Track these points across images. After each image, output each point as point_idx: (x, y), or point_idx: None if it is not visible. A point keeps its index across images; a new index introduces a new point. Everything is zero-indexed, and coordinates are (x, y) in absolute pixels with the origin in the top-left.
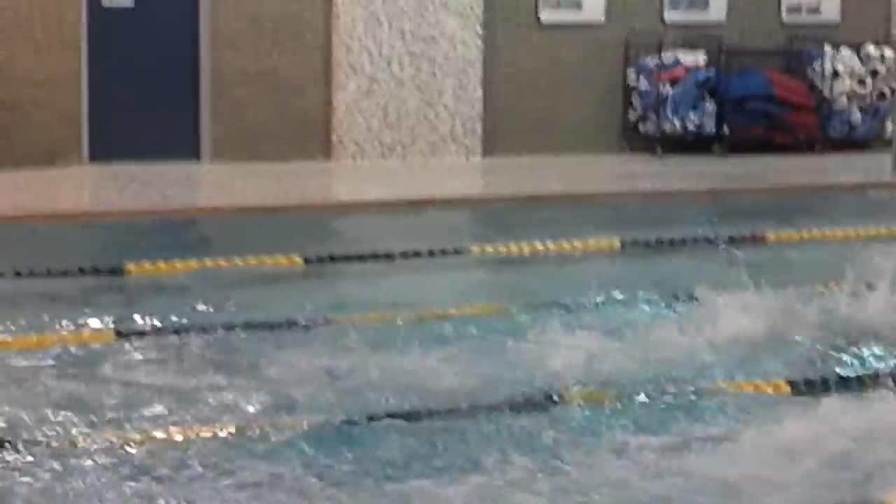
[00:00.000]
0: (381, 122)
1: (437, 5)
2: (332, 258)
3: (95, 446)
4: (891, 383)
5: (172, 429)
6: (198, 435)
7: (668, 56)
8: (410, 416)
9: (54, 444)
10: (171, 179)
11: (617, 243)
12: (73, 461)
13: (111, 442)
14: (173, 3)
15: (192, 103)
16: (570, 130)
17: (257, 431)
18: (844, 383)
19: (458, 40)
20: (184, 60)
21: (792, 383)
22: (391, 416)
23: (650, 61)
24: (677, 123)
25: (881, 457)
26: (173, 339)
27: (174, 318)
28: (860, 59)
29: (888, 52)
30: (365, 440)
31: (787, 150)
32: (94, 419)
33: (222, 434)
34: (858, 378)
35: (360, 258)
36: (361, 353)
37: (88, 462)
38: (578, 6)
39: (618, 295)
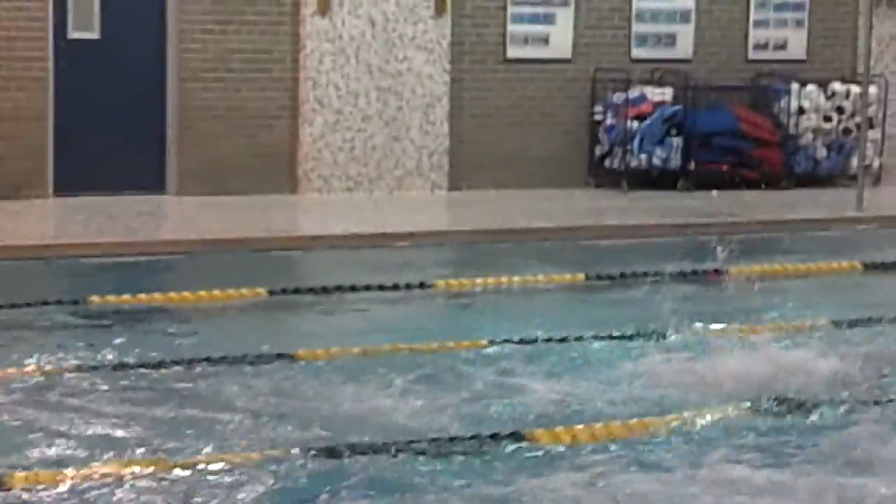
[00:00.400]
0: (347, 156)
1: (404, 41)
2: (298, 291)
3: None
4: None
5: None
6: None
7: (634, 92)
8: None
9: None
10: (137, 212)
11: (581, 277)
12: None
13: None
14: (140, 35)
15: (158, 136)
16: (537, 165)
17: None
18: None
19: (425, 75)
20: (151, 93)
21: None
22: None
23: (617, 97)
24: (643, 159)
25: None
26: (136, 371)
27: (137, 351)
28: (826, 95)
29: (854, 89)
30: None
31: (753, 185)
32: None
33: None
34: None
35: (325, 291)
36: (321, 385)
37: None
38: (546, 42)
39: (581, 330)
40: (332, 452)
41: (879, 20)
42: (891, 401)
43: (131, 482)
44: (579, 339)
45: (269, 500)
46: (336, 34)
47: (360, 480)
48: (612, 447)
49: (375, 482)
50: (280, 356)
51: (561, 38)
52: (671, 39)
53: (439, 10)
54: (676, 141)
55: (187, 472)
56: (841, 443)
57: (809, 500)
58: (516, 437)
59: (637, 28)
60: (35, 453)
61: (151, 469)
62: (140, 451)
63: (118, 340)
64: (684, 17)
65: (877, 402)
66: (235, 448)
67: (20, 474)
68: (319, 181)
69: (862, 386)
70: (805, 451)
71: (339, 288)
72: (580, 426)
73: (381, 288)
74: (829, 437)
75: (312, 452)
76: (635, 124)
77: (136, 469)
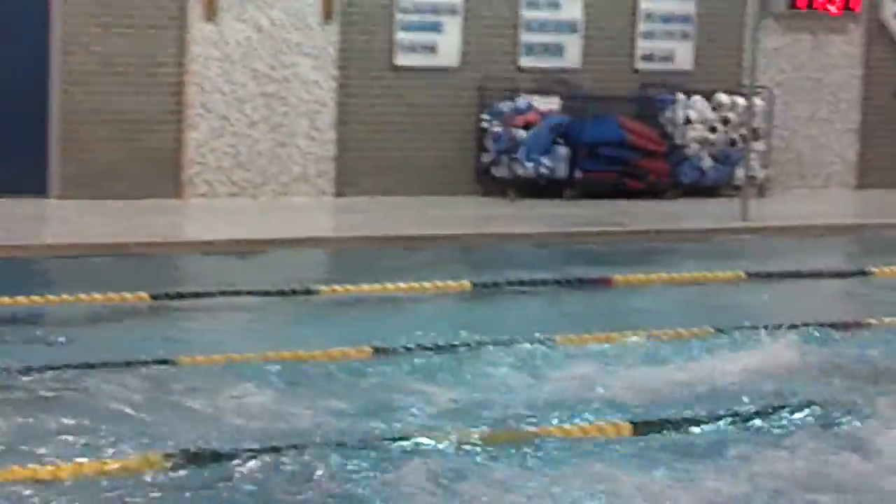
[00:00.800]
0: (232, 161)
1: (291, 47)
2: (181, 296)
3: None
4: None
5: None
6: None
7: (521, 101)
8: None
9: None
10: (18, 215)
11: (468, 285)
12: None
13: None
14: (24, 38)
15: (40, 140)
16: (424, 172)
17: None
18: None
19: (311, 82)
20: (34, 96)
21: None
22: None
23: (504, 106)
24: (530, 167)
25: None
26: (10, 375)
27: (13, 355)
28: (712, 106)
29: (739, 101)
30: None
31: (638, 195)
32: None
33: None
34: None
35: (209, 296)
36: (197, 391)
37: None
38: (433, 50)
39: (465, 337)
40: (197, 457)
41: (765, 33)
42: None
43: None
44: (462, 346)
45: None
46: (223, 40)
47: (231, 488)
48: None
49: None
50: (161, 362)
51: (449, 46)
52: (559, 49)
53: (327, 17)
54: (563, 150)
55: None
56: None
57: None
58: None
59: (525, 38)
60: None
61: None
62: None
63: None
64: (572, 27)
65: None
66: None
67: None
68: (204, 186)
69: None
70: None
71: (222, 293)
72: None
73: (265, 294)
74: None
75: (178, 459)
76: (522, 133)
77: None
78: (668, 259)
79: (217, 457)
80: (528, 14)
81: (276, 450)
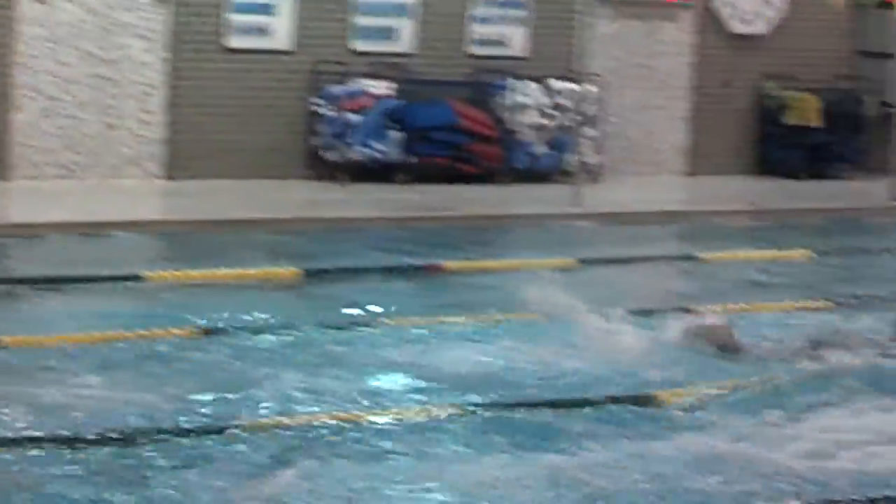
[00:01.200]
0: (60, 143)
1: (120, 28)
2: (5, 281)
3: None
4: None
5: None
6: None
7: (354, 84)
8: None
9: None
10: None
11: (297, 270)
12: None
13: None
14: None
15: None
16: (256, 156)
17: None
18: None
19: (142, 63)
20: None
21: None
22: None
23: (336, 89)
24: (363, 152)
25: None
26: None
27: None
28: (545, 92)
29: (572, 87)
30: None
31: (472, 180)
32: None
33: None
34: None
35: (34, 281)
36: (24, 374)
37: None
38: (266, 33)
39: (291, 323)
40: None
41: (599, 19)
42: None
43: None
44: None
45: None
46: (51, 20)
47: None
48: None
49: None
50: None
51: (282, 29)
52: (392, 33)
53: None
54: (396, 135)
55: None
56: None
57: None
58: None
59: (358, 21)
60: None
61: None
62: None
63: None
64: (405, 10)
65: None
66: None
67: None
68: (31, 168)
69: None
70: None
71: (48, 279)
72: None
73: (91, 279)
74: None
75: None
76: (354, 117)
77: None
78: (501, 245)
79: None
80: None
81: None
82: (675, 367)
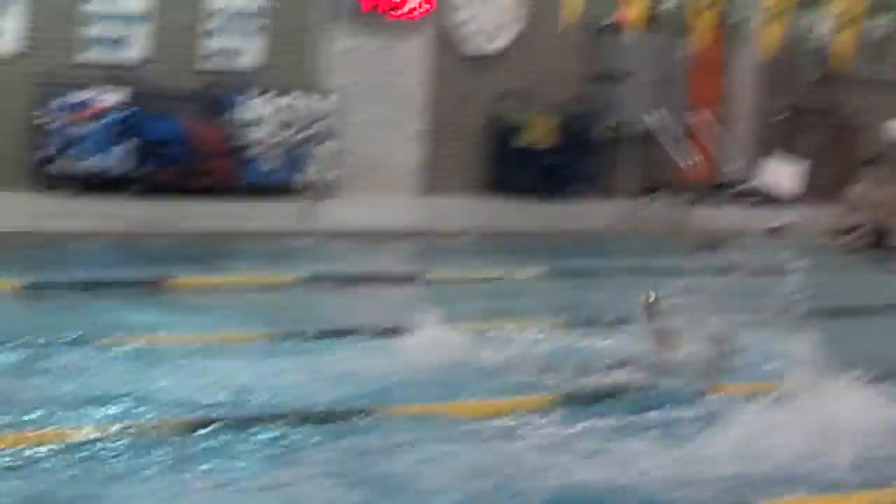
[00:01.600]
0: None
1: None
2: None
3: None
4: None
5: None
6: None
7: (82, 95)
8: None
9: None
10: None
11: (17, 284)
12: None
13: None
14: None
15: None
16: None
17: None
18: None
19: None
20: None
21: None
22: None
23: (64, 99)
24: (91, 163)
25: None
26: None
27: None
28: (280, 107)
29: (308, 102)
30: None
31: (204, 194)
32: None
33: None
34: None
35: None
36: None
37: None
38: None
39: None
40: None
41: (338, 34)
42: None
43: None
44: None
45: None
46: None
47: None
48: None
49: None
50: None
51: (7, 36)
52: (122, 43)
53: None
54: (125, 147)
55: None
56: None
57: None
58: None
59: (88, 30)
60: None
61: None
62: None
63: None
64: (137, 21)
65: None
66: None
67: None
68: None
69: None
70: None
71: None
72: None
73: None
74: None
75: None
76: (82, 128)
77: None
78: (230, 260)
79: None
80: (90, 7)
81: None
82: None
